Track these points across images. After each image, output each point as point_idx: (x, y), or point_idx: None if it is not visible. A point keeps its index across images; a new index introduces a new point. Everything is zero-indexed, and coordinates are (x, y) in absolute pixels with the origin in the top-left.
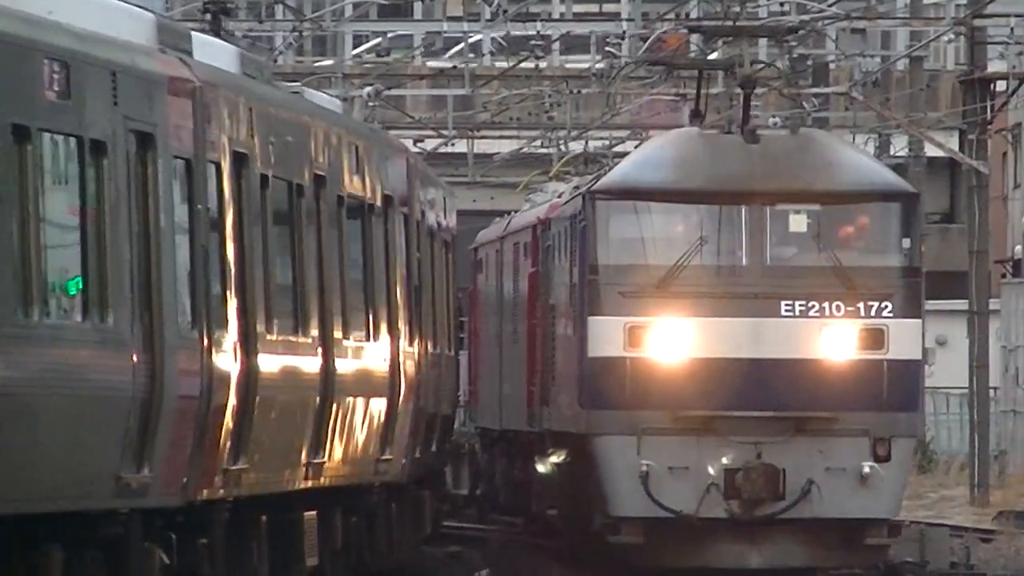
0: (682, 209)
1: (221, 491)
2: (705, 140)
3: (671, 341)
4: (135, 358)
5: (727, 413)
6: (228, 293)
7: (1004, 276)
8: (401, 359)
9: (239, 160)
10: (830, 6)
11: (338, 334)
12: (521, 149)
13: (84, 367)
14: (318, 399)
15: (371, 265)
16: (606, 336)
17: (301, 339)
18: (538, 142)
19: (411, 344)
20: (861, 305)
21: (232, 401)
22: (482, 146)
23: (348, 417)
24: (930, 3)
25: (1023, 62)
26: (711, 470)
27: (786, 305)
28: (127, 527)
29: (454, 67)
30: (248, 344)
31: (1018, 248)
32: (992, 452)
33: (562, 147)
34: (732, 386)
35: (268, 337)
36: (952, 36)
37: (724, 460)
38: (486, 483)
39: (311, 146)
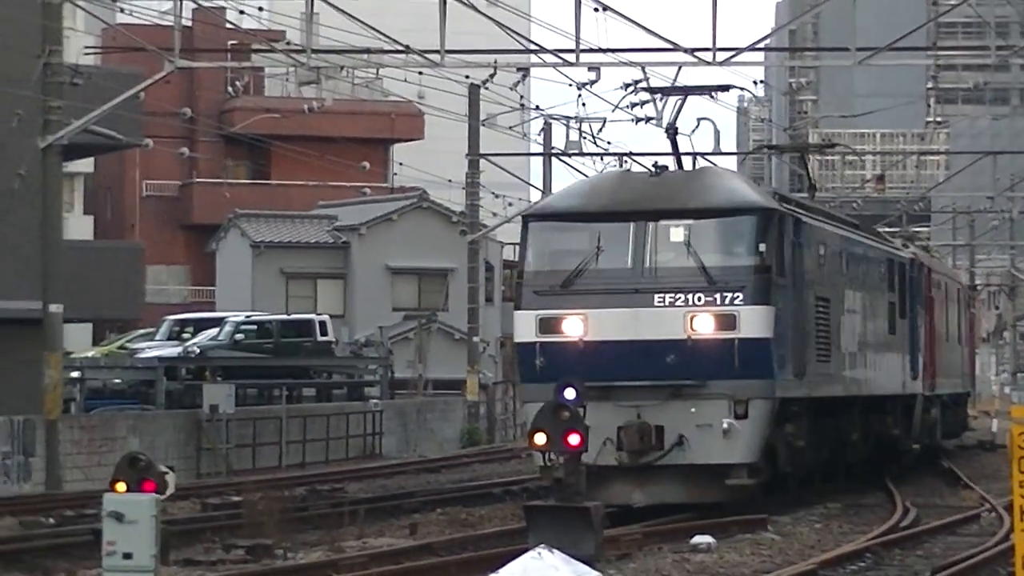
0: (585, 227)
1: None
2: (619, 176)
3: (572, 328)
4: None
5: (615, 383)
6: None
7: None
8: None
9: None
10: None
11: None
12: None
13: None
14: None
15: None
16: (526, 326)
17: None
18: None
19: None
20: (718, 296)
21: None
22: None
23: None
24: None
25: None
26: (605, 428)
27: (658, 298)
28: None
29: None
30: None
31: None
32: None
33: None
34: (619, 362)
35: None
36: None
37: (615, 420)
38: None
39: None
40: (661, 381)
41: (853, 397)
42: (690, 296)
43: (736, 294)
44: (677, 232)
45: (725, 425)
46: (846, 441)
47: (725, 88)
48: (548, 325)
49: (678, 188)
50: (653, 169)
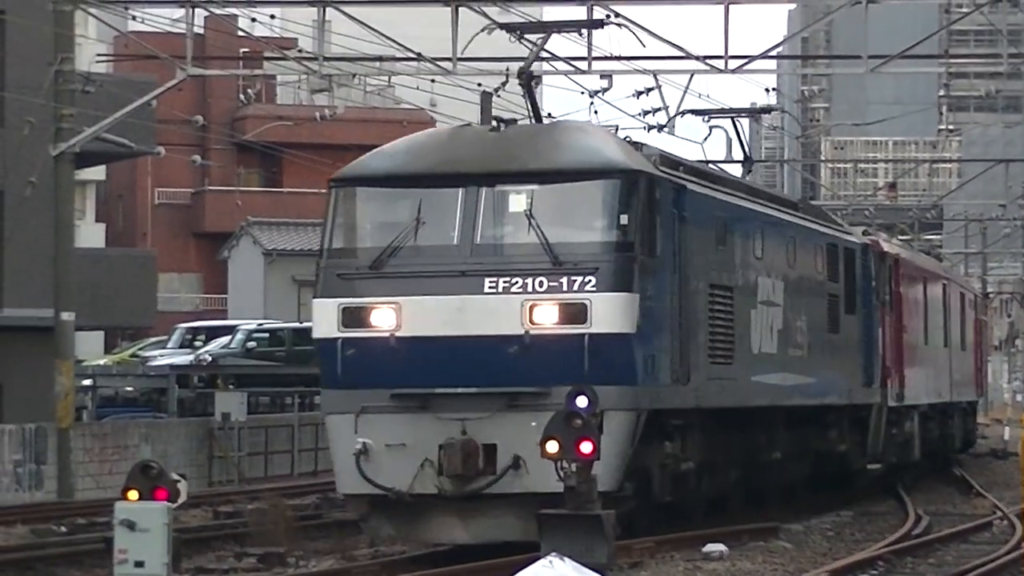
0: (404, 193)
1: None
2: (452, 132)
3: (382, 320)
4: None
5: (435, 390)
6: None
7: None
8: None
9: None
10: None
11: None
12: None
13: None
14: None
15: None
16: (327, 317)
17: None
18: None
19: None
20: (564, 280)
21: None
22: None
23: None
24: None
25: None
26: (423, 446)
27: (490, 282)
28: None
29: None
30: None
31: None
32: None
33: None
34: (441, 363)
35: None
36: None
37: (435, 437)
38: None
39: None
40: (493, 388)
41: (773, 408)
42: (530, 281)
43: (587, 278)
44: (517, 200)
45: None
46: (764, 461)
47: (598, 24)
48: (353, 317)
49: (521, 146)
50: (495, 123)
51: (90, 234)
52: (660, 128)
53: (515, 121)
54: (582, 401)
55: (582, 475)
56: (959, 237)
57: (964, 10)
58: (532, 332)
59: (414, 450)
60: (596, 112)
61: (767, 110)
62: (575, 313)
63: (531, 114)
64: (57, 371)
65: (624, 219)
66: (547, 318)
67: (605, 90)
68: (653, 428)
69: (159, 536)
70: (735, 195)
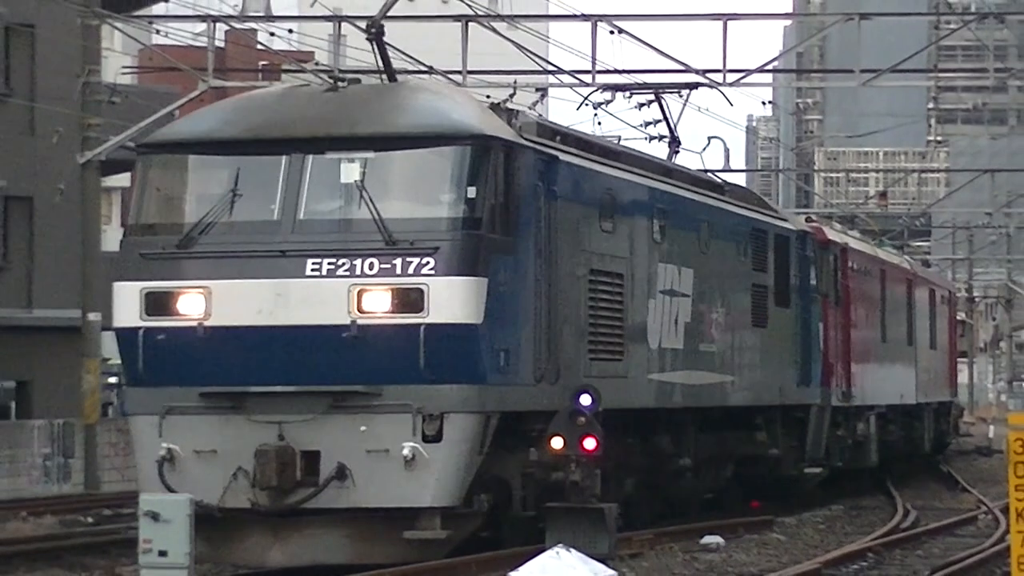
0: (218, 161)
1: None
2: (283, 92)
3: (189, 308)
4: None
5: (249, 389)
6: None
7: None
8: None
9: None
10: None
11: None
12: None
13: None
14: None
15: None
16: (127, 304)
17: None
18: None
19: None
20: (399, 262)
21: None
22: None
23: None
24: None
25: None
26: (236, 453)
27: (313, 264)
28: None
29: None
30: None
31: None
32: None
33: None
34: (258, 358)
35: None
36: None
37: (249, 442)
38: None
39: None
40: (315, 386)
41: (680, 410)
42: (359, 262)
43: (425, 260)
44: (349, 169)
45: (407, 451)
46: (671, 469)
47: None
48: (157, 303)
49: (358, 107)
50: (332, 81)
51: (116, 238)
52: (661, 139)
53: (359, 80)
54: (586, 399)
55: (586, 471)
56: (947, 244)
57: (953, 26)
58: (361, 322)
59: (225, 458)
60: (600, 124)
61: (693, 86)
62: (410, 300)
63: (382, 72)
64: (84, 369)
65: (472, 192)
66: (378, 305)
67: (608, 102)
68: (513, 433)
69: (182, 527)
70: (628, 170)
